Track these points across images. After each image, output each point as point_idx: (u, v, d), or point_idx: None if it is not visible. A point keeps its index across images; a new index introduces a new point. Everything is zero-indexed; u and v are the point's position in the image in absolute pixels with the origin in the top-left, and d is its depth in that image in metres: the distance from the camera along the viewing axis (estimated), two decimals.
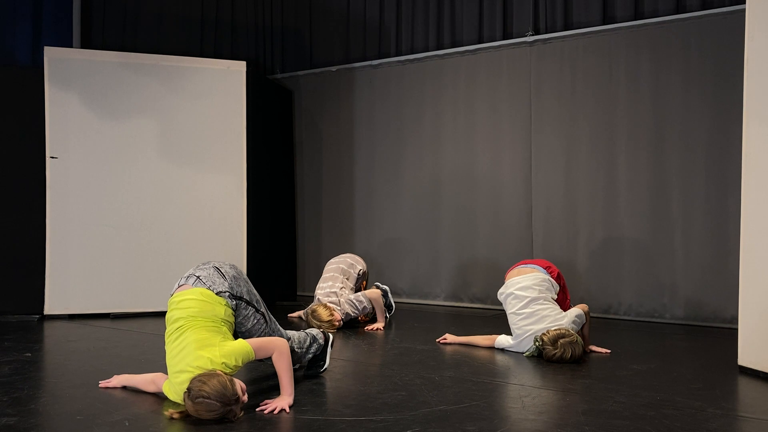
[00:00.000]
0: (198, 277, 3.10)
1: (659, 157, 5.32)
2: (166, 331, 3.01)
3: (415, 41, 6.59)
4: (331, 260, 5.49)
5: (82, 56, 5.66)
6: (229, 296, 3.07)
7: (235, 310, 3.11)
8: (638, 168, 5.40)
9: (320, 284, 5.25)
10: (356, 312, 5.03)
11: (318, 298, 5.11)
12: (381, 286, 5.40)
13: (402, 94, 6.52)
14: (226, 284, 3.09)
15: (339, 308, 4.97)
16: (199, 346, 2.85)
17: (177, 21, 7.32)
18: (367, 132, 6.73)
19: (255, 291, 3.27)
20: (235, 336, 3.11)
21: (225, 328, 3.00)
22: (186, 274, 3.17)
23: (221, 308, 3.02)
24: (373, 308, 5.09)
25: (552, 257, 5.60)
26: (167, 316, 3.05)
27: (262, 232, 6.30)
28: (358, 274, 5.34)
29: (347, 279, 5.24)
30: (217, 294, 3.04)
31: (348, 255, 5.53)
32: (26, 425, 2.66)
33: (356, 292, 5.27)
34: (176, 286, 3.16)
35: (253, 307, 3.18)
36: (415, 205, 6.46)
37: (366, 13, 6.84)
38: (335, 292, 5.08)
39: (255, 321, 3.18)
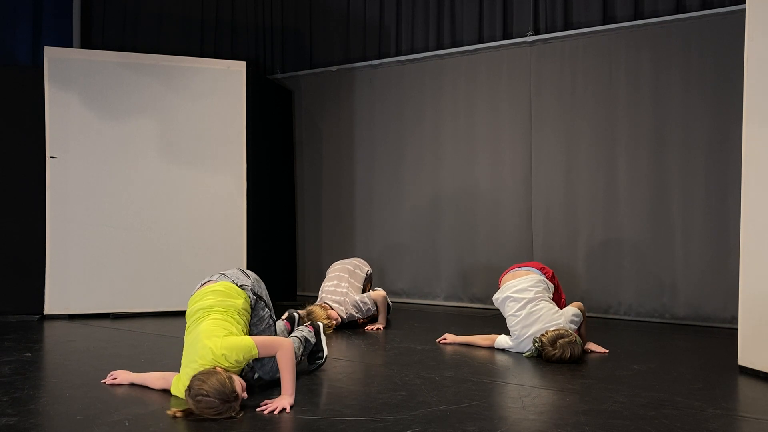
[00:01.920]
0: (223, 273, 3.31)
1: (659, 157, 5.32)
2: (186, 326, 3.11)
3: (415, 41, 6.58)
4: (336, 262, 5.46)
5: (82, 56, 5.66)
6: (251, 291, 3.24)
7: (254, 308, 3.25)
8: (638, 168, 5.39)
9: (325, 283, 5.20)
10: (360, 314, 5.02)
11: (322, 298, 5.08)
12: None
13: (402, 94, 6.52)
14: (249, 281, 3.28)
15: (343, 308, 4.95)
16: (206, 335, 2.94)
17: (177, 21, 7.31)
18: (367, 132, 6.73)
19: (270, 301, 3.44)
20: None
21: (240, 320, 3.11)
22: (225, 271, 3.38)
23: (240, 300, 3.17)
24: (376, 309, 5.09)
25: (552, 257, 5.61)
26: (187, 313, 3.16)
27: (262, 232, 6.30)
28: (366, 275, 5.31)
29: (353, 279, 5.19)
30: (239, 287, 3.22)
31: (354, 258, 5.51)
32: (26, 425, 2.66)
33: (362, 293, 5.24)
34: (198, 285, 3.31)
35: (270, 309, 3.34)
36: (415, 205, 6.46)
37: (366, 13, 6.84)
38: (342, 292, 5.05)
39: (266, 326, 3.31)
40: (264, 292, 3.36)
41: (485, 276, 6.04)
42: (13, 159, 5.52)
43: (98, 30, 7.38)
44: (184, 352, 3.03)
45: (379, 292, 5.16)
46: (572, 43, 5.68)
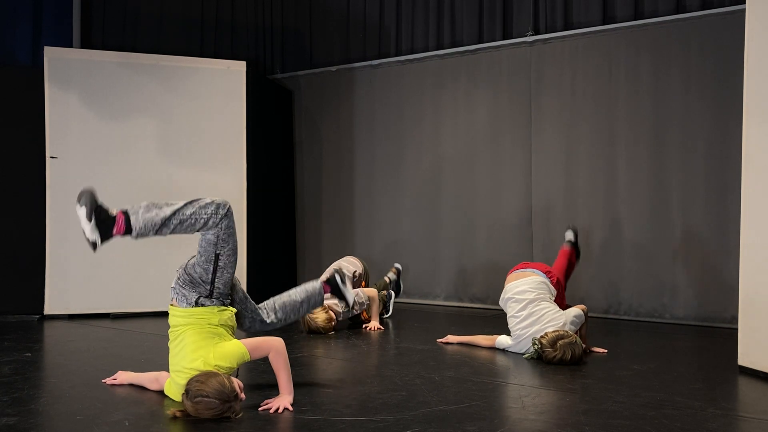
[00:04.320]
0: (173, 297, 3.05)
1: (659, 157, 5.31)
2: (169, 330, 3.05)
3: (415, 41, 6.58)
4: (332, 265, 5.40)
5: (82, 56, 5.66)
6: (205, 298, 3.00)
7: (215, 282, 2.97)
8: (638, 168, 5.39)
9: None
10: (351, 312, 4.99)
11: None
12: (396, 266, 5.66)
13: (402, 94, 6.52)
14: (194, 293, 2.98)
15: (336, 301, 4.89)
16: (195, 348, 2.90)
17: (177, 21, 7.31)
18: (367, 132, 6.73)
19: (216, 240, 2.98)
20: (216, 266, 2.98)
21: (222, 330, 3.01)
22: (172, 283, 3.09)
23: (207, 316, 2.98)
24: (369, 304, 5.05)
25: (552, 257, 5.59)
26: (170, 319, 3.09)
27: (261, 232, 6.30)
28: (355, 276, 5.20)
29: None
30: (195, 305, 2.98)
31: (346, 257, 5.45)
32: (26, 425, 2.66)
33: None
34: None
35: (219, 291, 3.02)
36: (415, 205, 6.46)
37: (366, 13, 6.84)
38: None
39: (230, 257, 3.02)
40: (211, 284, 2.97)
41: (485, 276, 6.04)
42: (13, 159, 5.52)
43: (98, 30, 7.37)
44: (171, 360, 2.98)
45: (371, 289, 5.13)
46: (572, 43, 5.67)
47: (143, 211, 2.86)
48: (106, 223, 2.79)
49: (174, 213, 2.88)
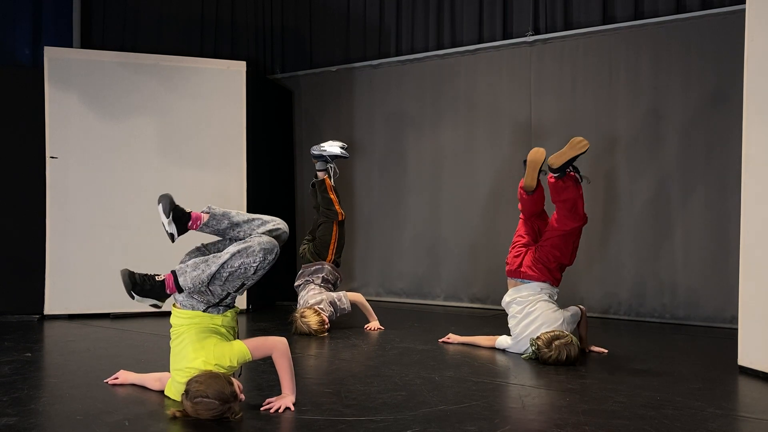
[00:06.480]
0: (177, 299, 3.05)
1: (659, 157, 5.32)
2: (171, 328, 3.05)
3: (415, 41, 6.58)
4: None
5: (82, 56, 5.66)
6: (212, 307, 3.00)
7: (231, 292, 2.99)
8: (638, 168, 5.40)
9: (301, 293, 5.16)
10: (337, 312, 4.97)
11: (304, 302, 5.02)
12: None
13: (402, 94, 6.52)
14: (202, 304, 2.99)
15: (324, 307, 4.89)
16: (196, 347, 2.90)
17: (177, 21, 7.31)
18: (367, 132, 6.73)
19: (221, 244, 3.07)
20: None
21: (223, 331, 3.01)
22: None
23: (210, 318, 3.00)
24: (350, 308, 5.03)
25: None
26: (171, 318, 3.09)
27: None
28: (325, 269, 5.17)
29: (318, 276, 5.15)
30: (204, 311, 3.00)
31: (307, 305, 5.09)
32: (26, 425, 2.66)
33: (330, 283, 5.19)
34: None
35: (225, 291, 2.99)
36: (414, 205, 6.46)
37: (366, 13, 6.84)
38: (317, 293, 5.01)
39: (213, 296, 3.00)
40: (215, 280, 2.91)
41: (485, 276, 6.04)
42: (13, 159, 5.51)
43: (98, 30, 7.37)
44: (172, 359, 2.99)
45: (355, 294, 5.13)
46: (572, 43, 5.67)
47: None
48: (182, 220, 3.01)
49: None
